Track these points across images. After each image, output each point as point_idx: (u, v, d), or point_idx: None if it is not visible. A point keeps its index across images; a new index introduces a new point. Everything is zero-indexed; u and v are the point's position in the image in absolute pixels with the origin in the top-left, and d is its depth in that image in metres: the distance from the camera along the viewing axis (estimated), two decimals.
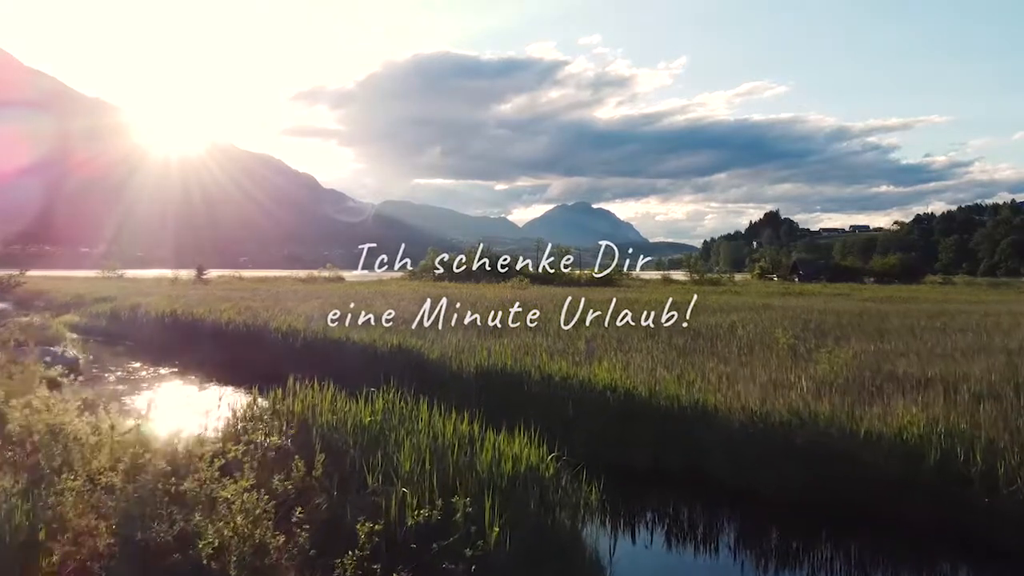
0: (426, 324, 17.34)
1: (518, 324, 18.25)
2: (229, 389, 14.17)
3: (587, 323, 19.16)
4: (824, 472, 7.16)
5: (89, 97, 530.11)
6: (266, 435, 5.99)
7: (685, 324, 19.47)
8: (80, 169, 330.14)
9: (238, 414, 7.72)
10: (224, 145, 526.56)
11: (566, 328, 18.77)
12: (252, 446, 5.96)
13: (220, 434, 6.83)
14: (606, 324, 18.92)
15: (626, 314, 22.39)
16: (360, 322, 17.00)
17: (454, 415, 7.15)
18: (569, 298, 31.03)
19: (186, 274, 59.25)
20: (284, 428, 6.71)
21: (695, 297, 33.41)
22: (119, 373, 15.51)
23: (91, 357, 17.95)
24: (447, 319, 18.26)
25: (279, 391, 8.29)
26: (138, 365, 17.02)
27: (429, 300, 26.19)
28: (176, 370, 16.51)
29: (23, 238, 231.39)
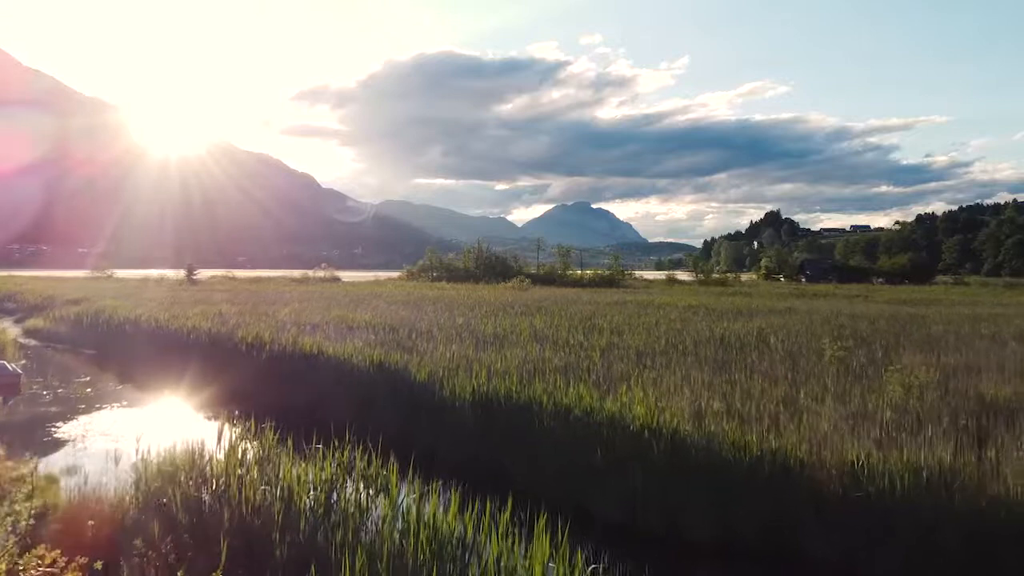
0: (419, 330, 15.26)
1: (520, 329, 16.18)
2: (174, 414, 12.08)
3: (598, 329, 17.08)
4: (970, 558, 5.03)
5: (88, 96, 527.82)
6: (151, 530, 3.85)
7: (705, 327, 17.47)
8: (79, 168, 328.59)
9: (144, 473, 5.61)
10: (223, 145, 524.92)
11: (574, 326, 16.79)
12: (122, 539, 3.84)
13: (96, 508, 4.70)
14: (620, 331, 16.80)
15: (638, 318, 20.37)
16: (342, 330, 14.90)
17: (437, 488, 4.99)
18: (575, 301, 28.95)
19: (174, 274, 57.07)
20: (191, 500, 4.56)
21: (703, 299, 31.36)
22: (61, 390, 13.37)
23: (36, 369, 15.86)
24: (442, 326, 16.16)
25: (210, 434, 6.14)
26: (87, 379, 14.88)
27: (423, 304, 24.09)
28: (125, 386, 14.41)
29: (21, 238, 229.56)
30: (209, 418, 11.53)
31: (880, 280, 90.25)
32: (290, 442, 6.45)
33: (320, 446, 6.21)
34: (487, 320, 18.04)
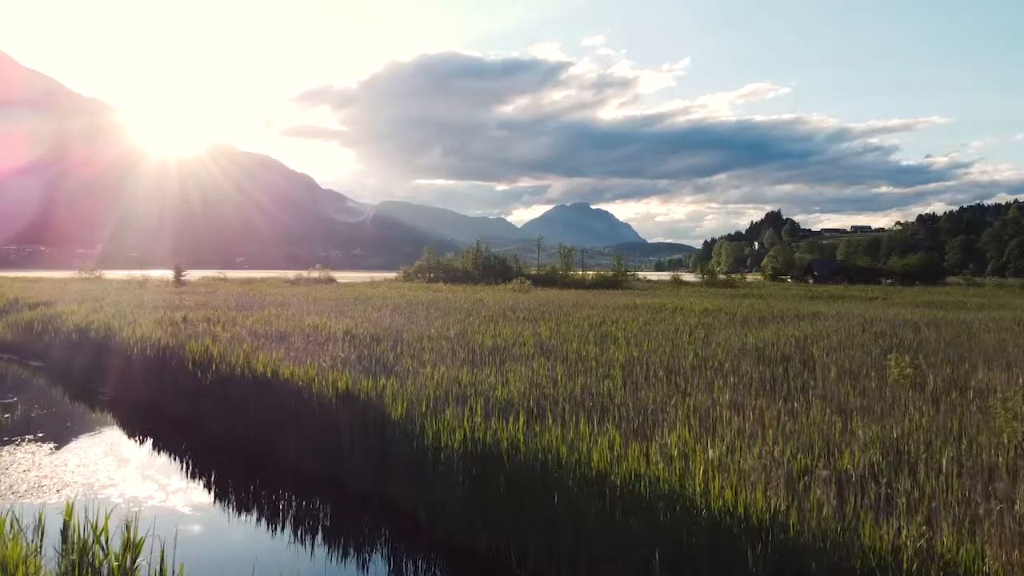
0: (406, 341, 13.04)
1: (524, 339, 14.00)
2: (88, 454, 9.72)
3: (612, 339, 14.89)
4: None
5: (86, 97, 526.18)
6: None
7: (734, 337, 15.28)
8: (78, 169, 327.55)
9: None
10: (223, 145, 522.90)
11: (584, 335, 14.62)
12: None
13: None
14: (637, 341, 14.56)
15: (654, 325, 18.19)
16: (314, 341, 12.62)
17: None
18: (581, 304, 26.73)
19: (159, 275, 54.70)
20: None
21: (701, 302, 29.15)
22: None
23: None
24: (432, 336, 13.90)
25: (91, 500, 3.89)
26: (13, 400, 12.60)
27: (415, 308, 21.89)
28: (53, 411, 12.17)
29: (20, 238, 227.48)
30: (126, 462, 9.21)
31: (889, 281, 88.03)
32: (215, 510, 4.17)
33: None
34: (485, 328, 15.81)
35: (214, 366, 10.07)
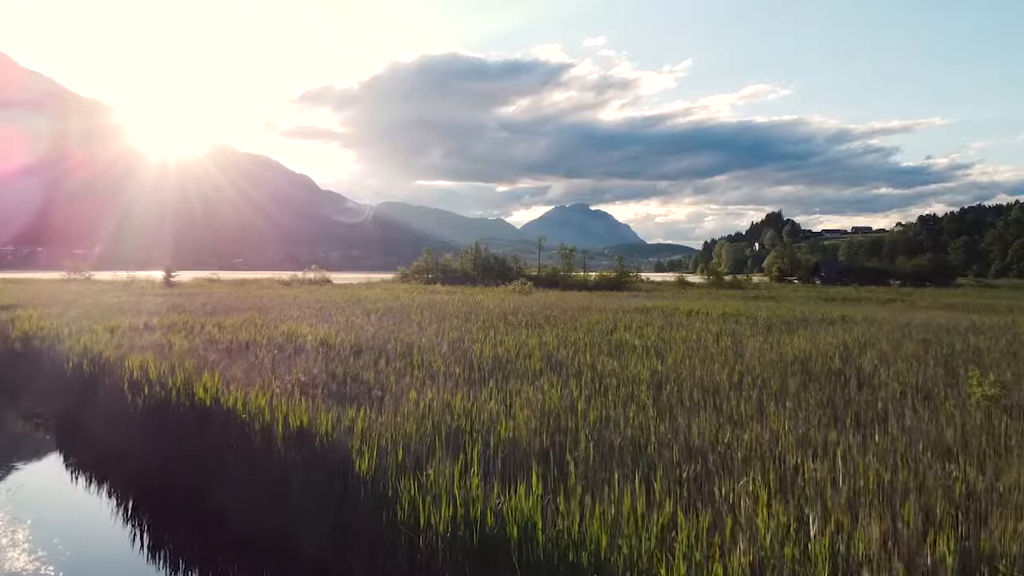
0: (391, 354, 11.20)
1: (528, 349, 12.17)
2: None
3: (629, 349, 13.06)
4: None
5: (86, 98, 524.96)
6: None
7: (766, 346, 13.43)
8: (77, 170, 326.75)
9: None
10: (222, 146, 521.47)
11: (596, 343, 12.80)
12: None
13: None
14: (659, 352, 12.72)
15: (672, 331, 16.38)
16: (283, 354, 10.74)
17: None
18: (586, 307, 24.86)
19: (148, 276, 52.77)
20: None
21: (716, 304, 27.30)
22: None
23: None
24: (423, 347, 12.04)
25: None
26: None
27: (409, 312, 20.06)
28: None
29: (19, 239, 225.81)
30: (30, 512, 7.28)
31: (899, 282, 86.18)
32: None
33: None
34: (484, 335, 13.96)
35: (146, 388, 8.18)
